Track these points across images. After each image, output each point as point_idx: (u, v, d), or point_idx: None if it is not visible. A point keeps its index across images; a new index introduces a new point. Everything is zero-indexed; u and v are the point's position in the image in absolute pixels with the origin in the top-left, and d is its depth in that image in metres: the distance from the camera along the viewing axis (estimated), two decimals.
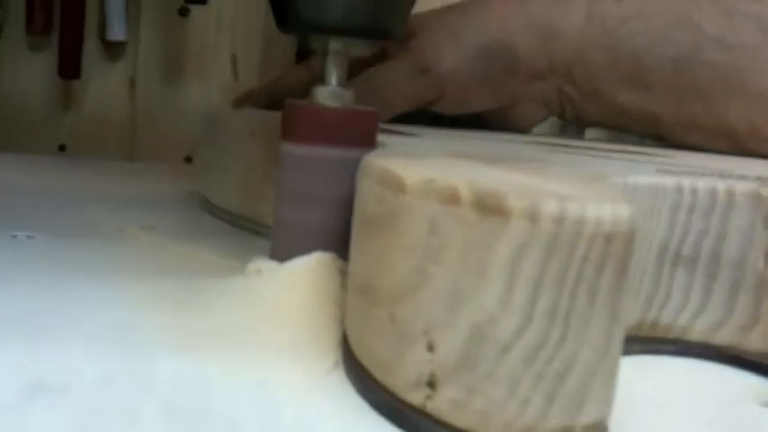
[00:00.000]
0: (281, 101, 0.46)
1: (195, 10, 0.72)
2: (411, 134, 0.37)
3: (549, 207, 0.16)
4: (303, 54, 0.70)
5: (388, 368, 0.19)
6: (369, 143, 0.28)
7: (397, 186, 0.19)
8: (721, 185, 0.25)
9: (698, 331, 0.25)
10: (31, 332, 0.22)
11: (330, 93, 0.28)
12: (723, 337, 0.25)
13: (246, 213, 0.38)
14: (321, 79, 0.28)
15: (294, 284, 0.25)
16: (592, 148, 0.38)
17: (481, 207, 0.17)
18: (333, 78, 0.28)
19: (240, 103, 0.52)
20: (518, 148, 0.35)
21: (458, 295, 0.17)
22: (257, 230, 0.37)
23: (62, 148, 0.71)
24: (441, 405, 0.18)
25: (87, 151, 0.71)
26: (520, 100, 0.48)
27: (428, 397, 0.18)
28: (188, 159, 0.74)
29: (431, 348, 0.18)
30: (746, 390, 0.24)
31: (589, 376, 0.17)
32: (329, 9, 0.27)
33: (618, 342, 0.18)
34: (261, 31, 0.75)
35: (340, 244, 0.27)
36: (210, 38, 0.74)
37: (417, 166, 0.19)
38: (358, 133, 0.28)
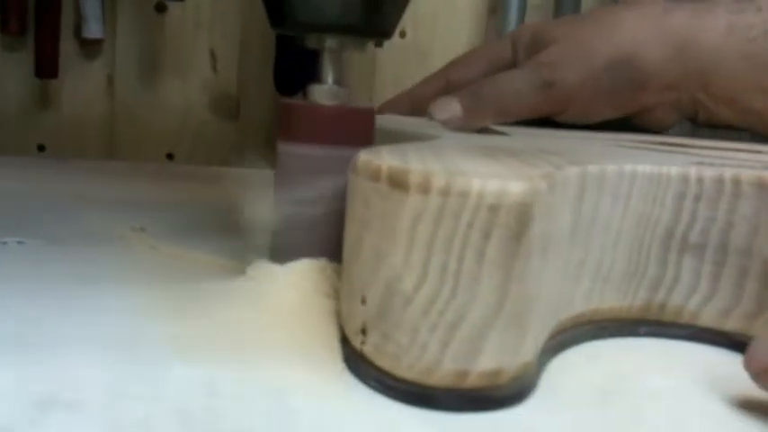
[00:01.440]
0: (421, 107, 0.48)
1: (173, 6, 0.71)
2: (502, 133, 0.38)
3: (438, 181, 0.19)
4: (283, 50, 0.69)
5: (346, 321, 0.23)
6: (365, 141, 0.28)
7: (353, 169, 0.22)
8: (728, 174, 0.25)
9: (708, 317, 0.26)
10: (35, 344, 0.21)
11: (326, 91, 0.28)
12: (733, 324, 0.26)
13: None
14: (318, 77, 0.28)
15: (297, 286, 0.25)
16: (664, 144, 0.38)
17: (392, 182, 0.20)
18: (329, 77, 0.28)
19: (383, 109, 0.53)
20: (565, 144, 0.34)
21: (378, 257, 0.20)
22: None
23: (41, 148, 0.70)
24: (368, 349, 0.21)
25: (67, 151, 0.70)
26: (649, 109, 0.48)
27: (362, 342, 0.21)
28: (169, 156, 0.73)
29: (363, 302, 0.21)
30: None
31: (482, 329, 0.20)
32: (325, 7, 0.26)
33: (521, 301, 0.20)
34: (239, 26, 0.74)
35: (336, 242, 0.27)
36: (188, 34, 0.73)
37: (383, 156, 0.22)
38: (355, 132, 0.27)
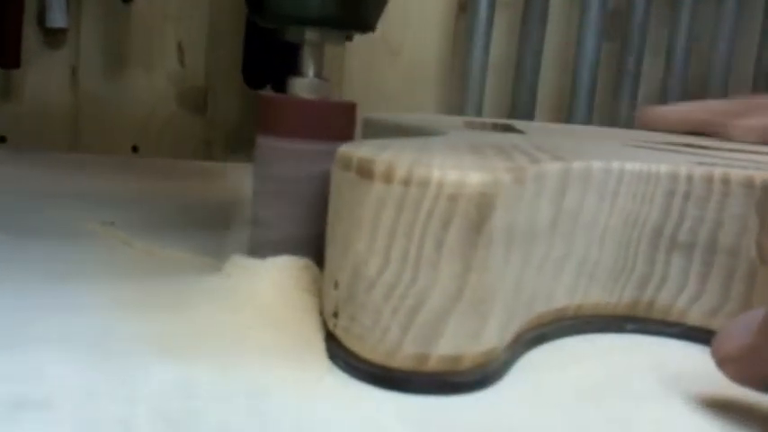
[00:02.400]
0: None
1: None
2: (517, 130, 0.38)
3: (401, 171, 0.20)
4: (252, 43, 0.68)
5: (324, 306, 0.23)
6: (346, 136, 0.27)
7: (337, 162, 0.22)
8: (717, 173, 0.25)
9: (696, 316, 0.26)
10: (5, 343, 0.21)
11: (307, 84, 0.27)
12: (720, 324, 0.25)
13: None
14: (297, 70, 0.27)
15: (276, 283, 0.24)
16: (688, 145, 0.37)
17: (360, 172, 0.21)
18: (310, 70, 0.27)
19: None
20: (568, 141, 0.34)
21: (347, 243, 0.21)
22: None
23: (2, 139, 0.69)
24: (339, 331, 0.22)
25: (29, 143, 0.69)
26: None
27: (335, 325, 0.22)
28: (134, 149, 0.72)
29: (336, 286, 0.22)
30: None
31: (442, 314, 0.20)
32: (307, 0, 0.26)
33: (481, 290, 0.20)
34: (208, 18, 0.73)
35: (317, 239, 0.26)
36: (156, 26, 0.72)
37: (364, 149, 0.22)
38: (335, 126, 0.27)
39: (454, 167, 0.20)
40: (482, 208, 0.20)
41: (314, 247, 0.25)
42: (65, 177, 0.49)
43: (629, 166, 0.25)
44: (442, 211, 0.20)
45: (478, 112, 0.75)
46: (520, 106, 0.76)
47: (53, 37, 0.69)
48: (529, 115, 0.76)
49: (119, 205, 0.41)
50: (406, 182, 0.20)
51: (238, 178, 0.49)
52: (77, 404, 0.18)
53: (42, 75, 0.69)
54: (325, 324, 0.23)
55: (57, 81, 0.70)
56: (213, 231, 0.35)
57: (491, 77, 0.76)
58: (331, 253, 0.22)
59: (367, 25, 0.28)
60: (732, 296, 0.25)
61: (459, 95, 0.75)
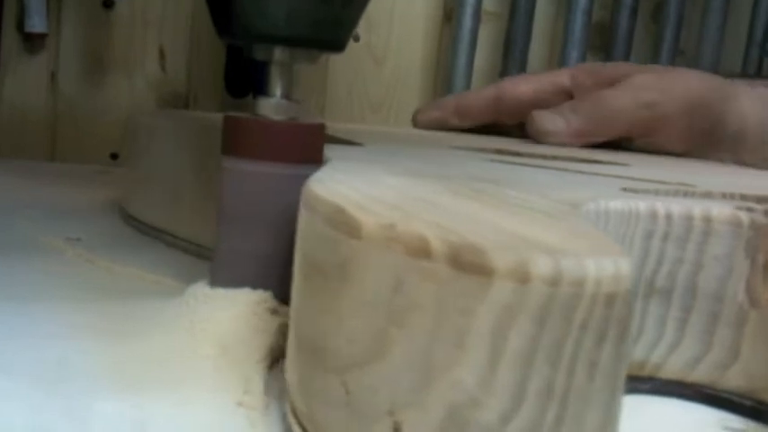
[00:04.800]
0: (466, 113, 0.52)
1: (120, 2, 0.69)
2: (356, 143, 0.36)
3: (542, 265, 0.14)
4: (233, 51, 0.68)
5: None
6: (315, 159, 0.26)
7: (350, 230, 0.16)
8: (697, 210, 0.23)
9: (673, 368, 0.24)
10: None
11: (274, 105, 0.26)
12: (700, 375, 0.23)
13: (171, 229, 0.36)
14: (265, 90, 0.27)
15: (235, 317, 0.23)
16: (533, 156, 0.38)
17: (457, 263, 0.14)
18: (277, 89, 0.27)
19: (425, 109, 0.56)
20: (465, 162, 0.33)
21: (429, 368, 0.14)
22: (186, 249, 0.35)
23: None
24: None
25: (5, 150, 0.67)
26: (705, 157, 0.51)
27: None
28: (113, 157, 0.71)
29: (397, 429, 0.15)
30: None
31: None
32: (275, 18, 0.25)
33: (616, 420, 0.16)
34: (189, 23, 0.72)
35: (283, 269, 0.25)
36: (137, 31, 0.71)
37: (373, 203, 0.17)
38: (303, 148, 0.26)
39: (597, 253, 0.15)
40: (629, 306, 0.15)
41: (273, 273, 0.25)
42: (39, 187, 0.49)
43: (612, 205, 0.22)
44: (598, 319, 0.14)
45: None
46: None
47: (32, 42, 0.68)
48: None
49: (91, 218, 0.40)
50: (554, 281, 0.14)
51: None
52: None
53: (20, 80, 0.68)
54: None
55: (35, 87, 0.69)
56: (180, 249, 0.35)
57: (475, 88, 0.75)
58: (374, 374, 0.15)
59: (337, 45, 0.27)
60: (715, 344, 0.23)
61: None
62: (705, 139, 0.50)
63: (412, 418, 0.15)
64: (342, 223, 0.16)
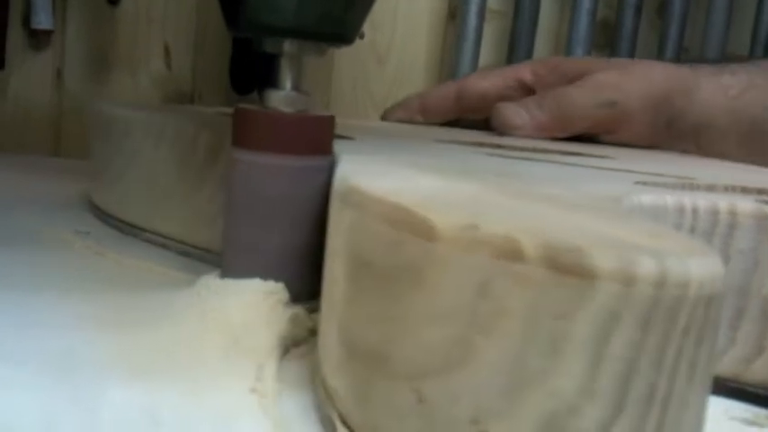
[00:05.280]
0: (430, 110, 0.54)
1: None
2: (347, 137, 0.35)
3: (647, 266, 0.13)
4: (238, 47, 0.68)
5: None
6: (324, 151, 0.27)
7: (420, 231, 0.15)
8: (723, 204, 0.23)
9: None
10: None
11: (284, 97, 0.27)
12: (723, 368, 0.23)
13: (149, 227, 0.35)
14: (274, 82, 0.27)
15: (245, 308, 0.23)
16: (516, 149, 0.38)
17: (555, 265, 0.13)
18: (287, 82, 0.27)
19: (392, 110, 0.57)
20: (465, 156, 0.33)
21: (520, 376, 0.14)
22: (164, 245, 0.34)
23: None
24: None
25: (10, 146, 0.68)
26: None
27: None
28: None
29: None
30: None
31: None
32: (284, 10, 0.25)
33: (704, 422, 0.15)
34: (194, 21, 0.72)
35: (293, 260, 0.25)
36: (141, 28, 0.71)
37: (434, 202, 0.16)
38: (312, 140, 0.26)
39: (691, 252, 0.14)
40: (720, 308, 0.15)
41: (284, 264, 0.25)
42: (45, 182, 0.49)
43: (645, 199, 0.22)
44: (699, 321, 0.14)
45: None
46: None
47: (38, 39, 0.68)
48: None
49: (97, 212, 0.40)
50: (659, 283, 0.13)
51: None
52: (38, 431, 0.17)
53: (26, 77, 0.68)
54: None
55: (40, 83, 0.69)
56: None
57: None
58: (455, 382, 0.15)
59: (346, 37, 0.27)
60: (739, 338, 0.23)
61: None
62: (668, 131, 0.51)
63: (500, 426, 0.14)
64: (406, 223, 0.15)
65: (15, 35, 0.67)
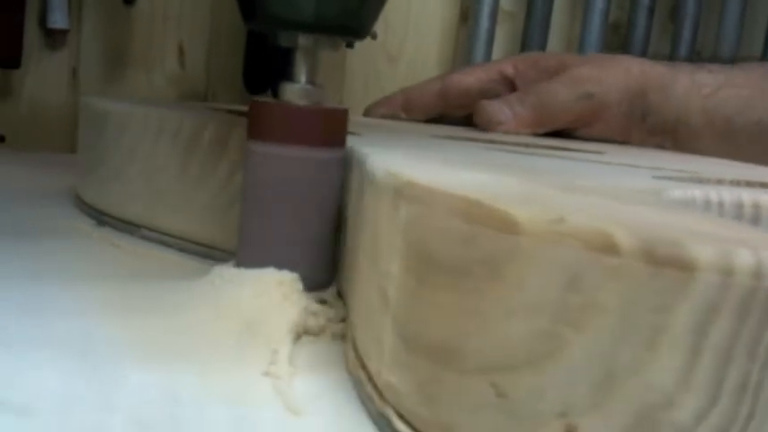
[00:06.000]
0: (414, 106, 0.55)
1: None
2: (353, 133, 0.35)
3: (745, 257, 0.13)
4: (253, 47, 0.68)
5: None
6: (338, 143, 0.27)
7: (499, 225, 0.15)
8: (746, 197, 0.23)
9: None
10: None
11: (299, 90, 0.27)
12: None
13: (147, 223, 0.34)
14: (290, 76, 0.27)
15: (260, 295, 0.24)
16: (510, 144, 0.38)
17: (652, 258, 0.13)
18: (302, 75, 0.27)
19: (376, 106, 0.58)
20: (476, 152, 0.33)
21: (613, 369, 0.14)
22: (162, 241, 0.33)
23: (1, 139, 0.68)
24: None
25: (27, 143, 0.68)
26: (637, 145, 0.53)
27: None
28: None
29: None
30: None
31: None
32: (300, 5, 0.26)
33: None
34: (208, 20, 0.73)
35: (308, 251, 0.26)
36: (156, 27, 0.71)
37: (515, 198, 0.16)
38: (327, 132, 0.27)
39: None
40: None
41: (299, 255, 0.25)
42: (61, 176, 0.49)
43: (676, 194, 0.22)
44: None
45: None
46: None
47: (54, 38, 0.69)
48: None
49: None
50: (757, 274, 0.13)
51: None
52: (57, 410, 0.18)
53: (42, 75, 0.69)
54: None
55: (56, 82, 0.70)
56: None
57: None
58: (540, 376, 0.15)
59: (361, 32, 0.27)
60: None
61: None
62: (643, 125, 0.51)
63: (590, 420, 0.14)
64: (483, 217, 0.15)
65: (31, 34, 0.68)
